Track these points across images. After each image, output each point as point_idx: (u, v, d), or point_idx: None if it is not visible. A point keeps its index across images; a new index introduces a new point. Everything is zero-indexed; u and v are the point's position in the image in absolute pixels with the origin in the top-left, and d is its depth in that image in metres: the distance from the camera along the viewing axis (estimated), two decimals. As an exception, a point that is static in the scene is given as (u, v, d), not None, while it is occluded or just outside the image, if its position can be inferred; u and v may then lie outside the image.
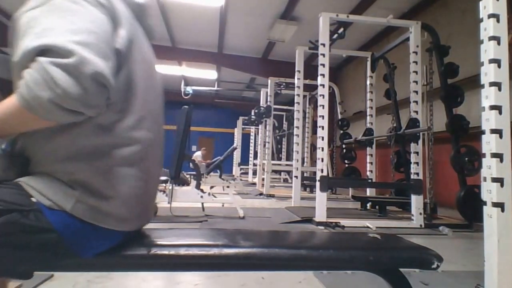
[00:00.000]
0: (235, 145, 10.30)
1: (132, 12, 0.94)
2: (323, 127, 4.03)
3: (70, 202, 0.77)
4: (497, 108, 1.79)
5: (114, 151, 0.81)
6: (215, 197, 4.39)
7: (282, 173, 11.70)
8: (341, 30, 4.58)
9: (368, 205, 5.24)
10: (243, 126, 12.50)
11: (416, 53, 4.28)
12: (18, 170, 0.83)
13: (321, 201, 3.93)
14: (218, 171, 6.86)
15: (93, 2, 0.77)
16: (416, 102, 4.24)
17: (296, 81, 5.93)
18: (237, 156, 12.35)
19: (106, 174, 0.80)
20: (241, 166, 12.17)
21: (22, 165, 0.83)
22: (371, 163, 5.81)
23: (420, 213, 4.02)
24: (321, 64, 4.12)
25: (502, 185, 1.73)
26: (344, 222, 3.89)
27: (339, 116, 7.68)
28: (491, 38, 1.82)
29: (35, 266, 0.80)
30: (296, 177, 5.63)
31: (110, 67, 0.72)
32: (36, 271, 0.81)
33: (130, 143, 0.84)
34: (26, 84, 0.66)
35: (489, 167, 1.78)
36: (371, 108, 5.86)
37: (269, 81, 7.82)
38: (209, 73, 12.53)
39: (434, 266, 0.95)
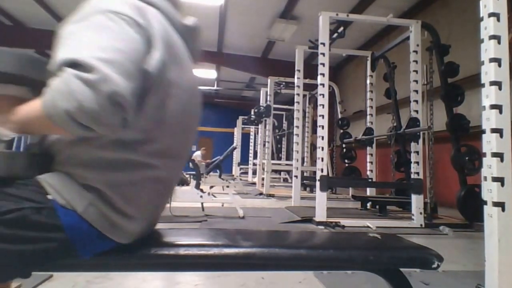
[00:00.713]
0: (234, 144, 10.29)
1: (178, 33, 0.93)
2: (323, 127, 4.02)
3: (83, 203, 0.80)
4: (497, 107, 1.78)
5: (130, 168, 0.83)
6: (214, 197, 4.39)
7: (282, 172, 11.70)
8: (341, 29, 4.57)
9: (368, 204, 5.23)
10: (243, 126, 12.49)
11: (416, 52, 4.27)
12: (39, 169, 0.85)
13: (321, 200, 3.93)
14: (218, 171, 6.86)
15: (130, 21, 0.78)
16: (416, 101, 4.24)
17: (296, 80, 5.92)
18: (236, 155, 12.34)
19: (118, 188, 0.82)
20: (241, 166, 12.16)
21: (44, 164, 0.86)
22: (371, 162, 5.80)
23: (421, 213, 4.01)
24: (321, 63, 4.11)
25: (502, 185, 1.73)
26: (344, 222, 3.88)
27: (339, 116, 7.67)
28: (492, 37, 1.81)
29: (35, 263, 0.80)
30: (296, 176, 5.63)
31: (131, 87, 0.72)
32: (36, 269, 0.82)
33: (149, 166, 0.85)
34: (50, 91, 0.68)
35: (489, 167, 1.77)
36: (371, 107, 5.86)
37: (268, 80, 7.82)
38: (208, 73, 12.52)
39: (435, 266, 0.94)
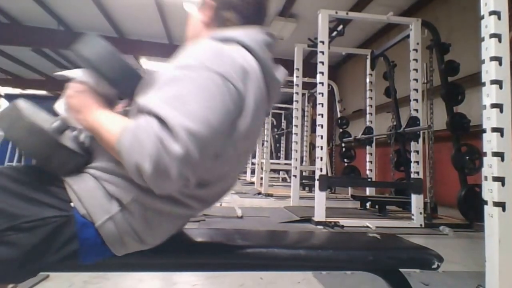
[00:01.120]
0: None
1: (266, 85, 0.90)
2: (322, 126, 4.00)
3: (102, 217, 0.79)
4: (498, 106, 1.76)
5: (166, 201, 0.82)
6: (213, 196, 4.36)
7: (280, 172, 11.68)
8: (340, 27, 4.56)
9: (368, 204, 5.22)
10: (242, 125, 12.46)
11: (416, 50, 4.25)
12: (74, 167, 0.85)
13: (320, 200, 3.91)
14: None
15: (232, 89, 0.75)
16: (416, 100, 4.22)
17: (294, 79, 5.89)
18: (236, 155, 12.30)
19: (146, 211, 0.81)
20: (240, 165, 12.13)
21: (80, 162, 0.87)
22: (371, 162, 5.79)
23: (420, 213, 3.99)
24: (320, 62, 4.09)
25: (503, 184, 1.71)
26: (343, 221, 3.87)
27: (339, 115, 7.65)
28: (492, 35, 1.80)
29: (40, 269, 0.80)
30: (295, 176, 5.61)
31: (206, 164, 0.72)
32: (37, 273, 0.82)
33: (185, 205, 0.85)
34: (132, 133, 0.66)
35: (490, 166, 1.76)
36: (371, 106, 5.85)
37: (268, 79, 7.78)
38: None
39: (435, 266, 0.93)
